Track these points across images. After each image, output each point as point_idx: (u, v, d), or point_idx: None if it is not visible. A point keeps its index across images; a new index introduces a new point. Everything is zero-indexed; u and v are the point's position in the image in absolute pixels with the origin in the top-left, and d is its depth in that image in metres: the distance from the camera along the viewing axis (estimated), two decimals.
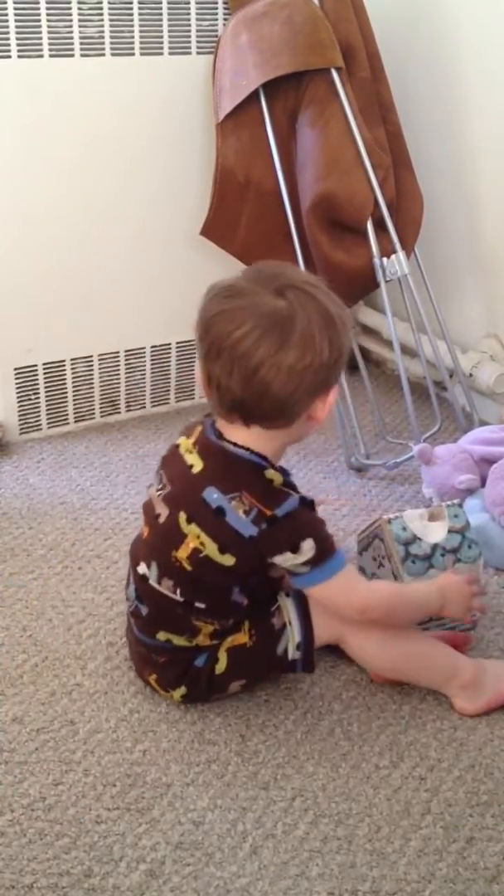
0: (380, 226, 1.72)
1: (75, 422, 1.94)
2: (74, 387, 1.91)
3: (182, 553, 1.13)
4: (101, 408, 1.96)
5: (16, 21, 1.60)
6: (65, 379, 1.89)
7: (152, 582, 1.17)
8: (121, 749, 1.14)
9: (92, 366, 1.91)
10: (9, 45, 1.61)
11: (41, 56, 1.64)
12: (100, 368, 1.92)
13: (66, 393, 1.90)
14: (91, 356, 1.90)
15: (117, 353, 1.93)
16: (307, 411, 1.10)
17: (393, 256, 1.73)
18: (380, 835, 1.03)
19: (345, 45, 1.70)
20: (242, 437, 1.12)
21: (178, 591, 1.15)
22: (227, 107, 1.73)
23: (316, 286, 1.10)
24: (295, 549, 1.09)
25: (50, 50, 1.65)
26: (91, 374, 1.92)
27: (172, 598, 1.15)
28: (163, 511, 1.16)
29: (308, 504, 1.12)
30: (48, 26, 1.63)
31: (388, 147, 1.75)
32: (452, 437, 1.79)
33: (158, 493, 1.18)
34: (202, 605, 1.15)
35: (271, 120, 1.72)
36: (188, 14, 1.75)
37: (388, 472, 1.78)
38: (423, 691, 1.23)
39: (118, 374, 1.95)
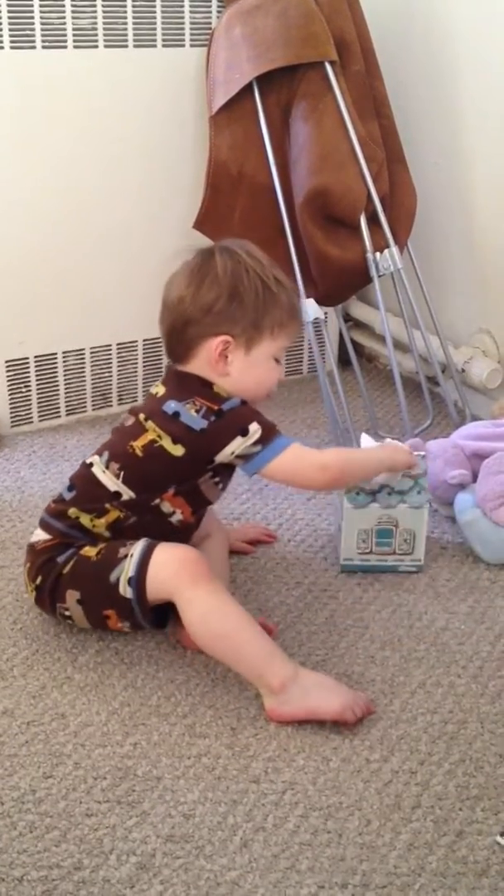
0: (373, 220, 1.72)
1: (67, 415, 1.93)
2: (66, 380, 1.90)
3: (139, 443, 1.26)
4: (92, 401, 1.95)
5: (8, 12, 1.60)
6: (56, 372, 1.89)
7: (96, 468, 1.28)
8: (111, 742, 1.14)
9: (84, 359, 1.91)
10: (1, 36, 1.60)
11: (34, 47, 1.64)
12: (92, 362, 1.92)
13: (57, 386, 1.90)
14: (83, 349, 1.90)
15: (109, 346, 1.92)
16: (201, 347, 1.26)
17: (386, 251, 1.73)
18: (370, 828, 1.03)
19: (339, 38, 1.69)
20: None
21: (122, 476, 1.26)
22: (221, 100, 1.73)
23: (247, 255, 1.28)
24: (245, 433, 1.22)
25: (43, 41, 1.64)
26: (83, 367, 1.91)
27: (104, 485, 1.27)
28: (129, 419, 1.30)
29: (248, 406, 1.25)
30: (41, 17, 1.62)
31: (381, 141, 1.75)
32: (444, 432, 1.79)
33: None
34: (129, 496, 1.25)
35: (265, 113, 1.71)
36: (182, 6, 1.74)
37: None
38: (413, 685, 1.23)
39: (110, 368, 1.94)
